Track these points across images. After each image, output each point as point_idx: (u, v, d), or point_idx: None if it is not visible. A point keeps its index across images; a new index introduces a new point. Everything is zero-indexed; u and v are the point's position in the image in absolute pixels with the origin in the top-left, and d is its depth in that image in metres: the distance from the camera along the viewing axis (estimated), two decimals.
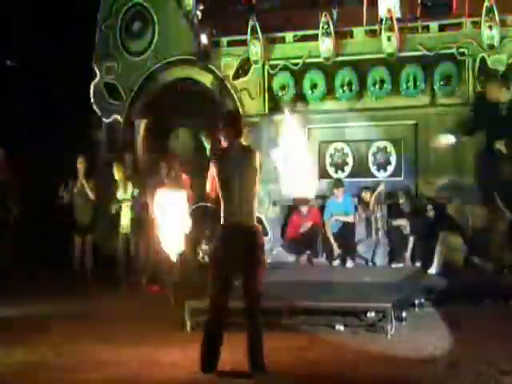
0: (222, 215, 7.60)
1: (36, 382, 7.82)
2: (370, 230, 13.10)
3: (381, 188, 13.10)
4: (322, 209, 13.43)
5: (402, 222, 12.69)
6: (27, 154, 14.80)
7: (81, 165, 13.60)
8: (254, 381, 7.45)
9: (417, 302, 10.67)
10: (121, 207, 13.32)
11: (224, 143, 7.71)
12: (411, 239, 12.60)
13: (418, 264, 12.42)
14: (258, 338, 7.57)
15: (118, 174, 13.34)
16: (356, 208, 13.27)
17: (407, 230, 12.66)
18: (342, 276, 11.97)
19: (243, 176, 7.56)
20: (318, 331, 9.41)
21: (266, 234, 13.56)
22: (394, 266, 12.59)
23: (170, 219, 9.56)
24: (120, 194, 13.33)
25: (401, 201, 12.80)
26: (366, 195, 13.20)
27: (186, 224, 8.46)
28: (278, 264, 13.03)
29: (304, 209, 13.29)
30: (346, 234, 13.12)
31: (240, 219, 7.56)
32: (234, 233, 7.55)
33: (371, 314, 9.43)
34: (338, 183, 13.33)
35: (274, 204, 13.74)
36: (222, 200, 7.61)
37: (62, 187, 13.54)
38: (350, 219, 13.12)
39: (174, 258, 9.50)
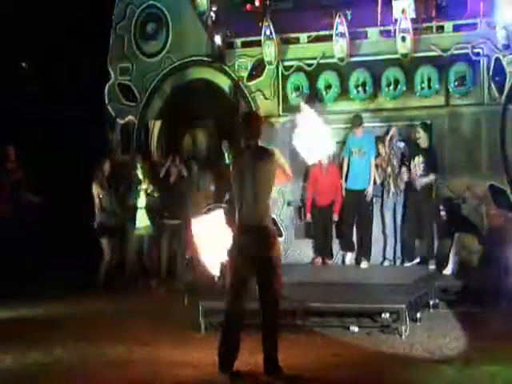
0: (236, 216, 7.63)
1: (51, 382, 7.87)
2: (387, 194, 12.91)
3: (392, 133, 12.80)
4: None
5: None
6: (41, 155, 14.82)
7: (106, 168, 13.67)
8: (269, 381, 7.47)
9: (431, 302, 10.67)
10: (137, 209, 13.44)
11: (242, 144, 7.76)
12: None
13: (431, 264, 12.35)
14: (274, 338, 7.60)
15: (141, 174, 13.48)
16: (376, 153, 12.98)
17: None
18: (357, 276, 11.94)
19: (257, 177, 7.59)
20: (333, 332, 9.42)
21: (281, 235, 13.55)
22: (406, 264, 12.52)
23: (210, 241, 9.45)
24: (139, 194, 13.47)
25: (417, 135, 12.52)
26: (381, 148, 12.89)
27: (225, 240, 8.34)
28: (293, 264, 13.04)
29: (325, 162, 12.93)
30: (361, 208, 12.98)
31: (253, 220, 7.59)
32: (248, 234, 7.58)
33: (385, 315, 9.42)
34: (357, 120, 12.98)
35: (288, 204, 13.72)
36: (235, 201, 7.65)
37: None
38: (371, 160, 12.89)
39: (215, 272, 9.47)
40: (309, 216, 13.31)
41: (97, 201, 13.51)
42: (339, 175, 13.14)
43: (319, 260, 13.25)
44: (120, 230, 13.71)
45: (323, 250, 13.30)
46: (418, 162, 12.42)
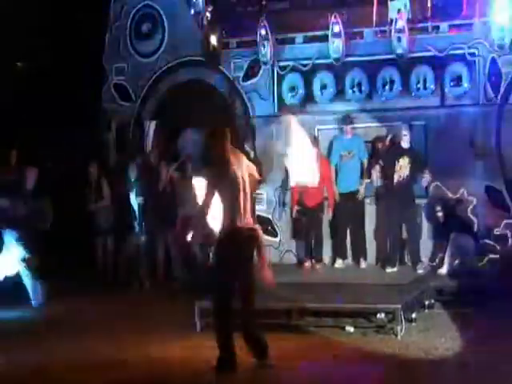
0: (222, 220, 7.79)
1: (48, 381, 7.86)
2: None
3: (393, 133, 12.66)
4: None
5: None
6: (37, 155, 14.78)
7: (93, 169, 13.67)
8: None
9: (427, 303, 10.65)
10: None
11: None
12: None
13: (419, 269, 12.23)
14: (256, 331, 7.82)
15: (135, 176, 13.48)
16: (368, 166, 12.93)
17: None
18: (352, 277, 11.93)
19: (245, 180, 7.85)
20: (328, 332, 9.40)
21: (276, 235, 13.53)
22: (387, 270, 12.25)
23: None
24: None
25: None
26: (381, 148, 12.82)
27: None
28: (288, 265, 13.05)
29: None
30: (355, 211, 12.93)
31: (238, 223, 7.77)
32: (233, 236, 7.76)
33: (381, 316, 9.41)
34: (348, 118, 12.98)
35: (284, 205, 13.69)
36: (222, 205, 7.80)
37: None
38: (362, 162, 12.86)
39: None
40: (296, 209, 12.99)
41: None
42: (329, 167, 12.95)
43: (309, 264, 12.93)
44: (114, 230, 13.70)
45: (313, 253, 13.06)
46: (403, 164, 12.32)
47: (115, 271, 13.67)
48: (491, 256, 12.29)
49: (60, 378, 7.95)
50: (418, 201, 12.71)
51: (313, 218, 12.99)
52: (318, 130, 13.53)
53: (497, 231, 12.43)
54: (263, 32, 13.47)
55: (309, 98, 13.62)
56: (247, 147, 13.22)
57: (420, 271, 12.09)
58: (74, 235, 13.73)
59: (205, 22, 14.06)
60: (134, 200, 13.39)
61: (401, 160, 12.26)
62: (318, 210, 12.99)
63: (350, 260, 13.08)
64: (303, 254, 13.14)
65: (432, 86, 12.88)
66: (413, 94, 13.03)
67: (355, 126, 13.13)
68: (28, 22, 15.67)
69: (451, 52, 12.81)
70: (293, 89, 13.64)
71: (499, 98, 12.60)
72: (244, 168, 7.93)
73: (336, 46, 13.18)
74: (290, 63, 13.71)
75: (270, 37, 13.50)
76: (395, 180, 12.24)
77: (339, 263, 12.94)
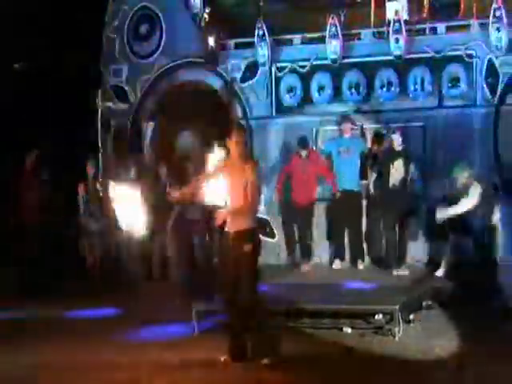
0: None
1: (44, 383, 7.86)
2: None
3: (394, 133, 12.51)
4: None
5: None
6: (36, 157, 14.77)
7: (90, 169, 13.66)
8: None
9: (424, 303, 10.64)
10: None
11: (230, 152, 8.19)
12: None
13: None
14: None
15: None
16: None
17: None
18: (350, 278, 11.92)
19: (236, 186, 8.04)
20: (326, 333, 9.40)
21: (274, 237, 13.52)
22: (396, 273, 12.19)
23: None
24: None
25: None
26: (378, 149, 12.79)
27: None
28: (285, 266, 13.05)
29: (303, 152, 12.67)
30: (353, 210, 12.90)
31: (235, 225, 8.03)
32: (232, 237, 8.04)
33: (379, 317, 9.40)
34: (345, 119, 12.99)
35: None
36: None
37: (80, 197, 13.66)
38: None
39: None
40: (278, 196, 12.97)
41: (80, 202, 13.55)
42: (322, 163, 12.93)
43: (305, 266, 12.84)
44: (104, 232, 13.68)
45: (302, 254, 13.03)
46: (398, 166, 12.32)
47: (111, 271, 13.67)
48: None
49: (54, 379, 7.94)
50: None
51: (304, 219, 12.97)
52: (316, 131, 13.54)
53: None
54: (261, 33, 13.49)
55: (306, 99, 13.63)
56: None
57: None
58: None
59: (203, 24, 14.08)
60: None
61: (395, 162, 12.27)
62: (311, 210, 12.96)
63: (347, 261, 13.07)
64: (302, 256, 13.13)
65: (429, 88, 12.90)
66: (410, 96, 13.05)
67: (353, 126, 13.12)
68: (28, 22, 15.67)
69: (449, 53, 12.84)
70: (290, 90, 13.65)
71: (496, 98, 12.61)
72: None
73: (334, 47, 13.20)
74: (288, 64, 13.72)
75: (267, 38, 13.52)
76: (390, 182, 12.27)
77: (337, 264, 12.91)
